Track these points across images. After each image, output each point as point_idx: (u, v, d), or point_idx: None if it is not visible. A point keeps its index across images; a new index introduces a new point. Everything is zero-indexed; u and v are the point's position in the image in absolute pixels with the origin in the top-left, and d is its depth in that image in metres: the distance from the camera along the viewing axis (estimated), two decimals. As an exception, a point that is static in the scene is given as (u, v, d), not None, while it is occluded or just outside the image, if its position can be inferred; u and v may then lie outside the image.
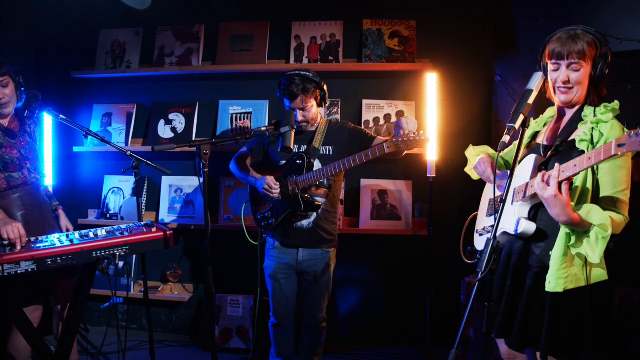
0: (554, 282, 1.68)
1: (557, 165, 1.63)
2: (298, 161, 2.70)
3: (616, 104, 1.76)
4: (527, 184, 1.80)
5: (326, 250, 2.79)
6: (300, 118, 2.70)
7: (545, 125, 2.03)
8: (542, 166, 1.83)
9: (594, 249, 1.63)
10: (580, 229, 1.66)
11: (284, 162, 2.78)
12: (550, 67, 1.83)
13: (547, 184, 1.63)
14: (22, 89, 2.60)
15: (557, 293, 1.68)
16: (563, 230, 1.69)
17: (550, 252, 1.73)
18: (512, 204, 1.87)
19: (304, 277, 2.80)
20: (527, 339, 1.78)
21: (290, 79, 2.65)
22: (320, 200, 2.73)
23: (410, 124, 2.49)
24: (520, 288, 1.82)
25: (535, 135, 2.02)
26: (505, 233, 1.88)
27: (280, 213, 2.74)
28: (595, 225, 1.62)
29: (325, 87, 2.74)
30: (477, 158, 2.22)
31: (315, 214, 2.74)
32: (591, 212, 1.64)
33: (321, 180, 2.69)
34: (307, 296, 2.82)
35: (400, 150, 2.51)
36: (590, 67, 1.77)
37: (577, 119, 1.82)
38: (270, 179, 2.73)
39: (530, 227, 1.79)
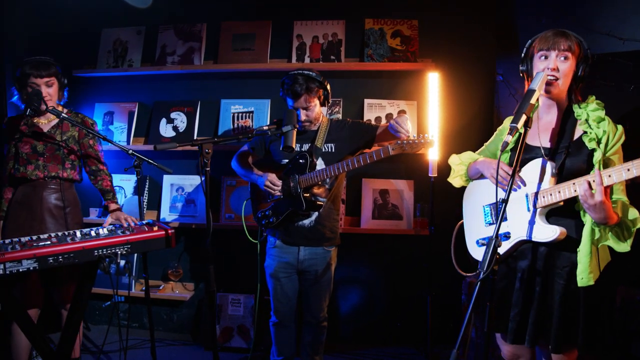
0: (586, 277, 1.74)
1: (596, 170, 1.65)
2: (301, 160, 2.70)
3: (594, 99, 1.86)
4: (549, 189, 1.80)
5: (327, 249, 2.79)
6: (303, 117, 2.70)
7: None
8: (558, 170, 1.84)
9: (621, 241, 1.73)
10: (612, 225, 1.72)
11: (287, 160, 2.78)
12: (537, 60, 1.89)
13: (591, 188, 1.66)
14: (66, 89, 2.83)
15: (588, 286, 1.75)
16: (588, 227, 1.75)
17: (577, 249, 1.78)
18: (528, 210, 1.87)
19: (305, 277, 2.80)
20: (566, 339, 1.81)
21: (294, 79, 2.65)
22: (321, 199, 2.73)
23: (404, 124, 2.49)
24: (549, 291, 1.85)
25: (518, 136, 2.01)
26: (523, 241, 1.88)
27: (281, 212, 2.74)
28: (628, 220, 1.71)
29: (328, 87, 2.74)
30: (461, 166, 2.24)
31: (316, 213, 2.74)
32: (624, 210, 1.73)
33: (324, 180, 2.69)
34: (308, 295, 2.82)
35: (406, 152, 2.51)
36: (575, 65, 1.85)
37: (573, 119, 1.87)
38: (272, 176, 2.73)
39: (564, 231, 1.80)
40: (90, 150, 2.87)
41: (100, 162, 2.91)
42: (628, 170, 1.57)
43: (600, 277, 1.78)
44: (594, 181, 1.64)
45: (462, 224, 2.25)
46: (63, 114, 2.64)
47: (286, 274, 2.80)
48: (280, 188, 2.72)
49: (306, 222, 2.74)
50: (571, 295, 1.80)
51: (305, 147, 2.77)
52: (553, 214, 1.84)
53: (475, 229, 2.15)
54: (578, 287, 1.76)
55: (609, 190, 1.66)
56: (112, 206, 2.82)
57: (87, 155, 2.87)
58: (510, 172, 2.03)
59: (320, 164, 2.72)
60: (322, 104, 2.77)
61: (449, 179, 2.31)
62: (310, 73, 2.67)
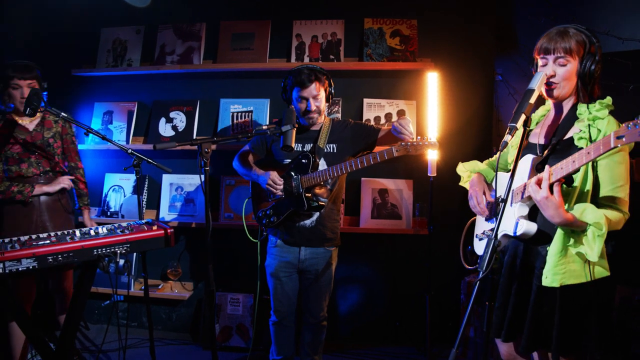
0: (551, 277, 1.69)
1: (547, 167, 1.63)
2: (303, 160, 2.70)
3: (609, 100, 1.76)
4: (525, 184, 1.80)
5: (328, 249, 2.79)
6: (313, 107, 2.69)
7: (537, 124, 2.02)
8: (539, 165, 1.83)
9: (592, 247, 1.64)
10: (577, 229, 1.67)
11: (289, 160, 2.78)
12: (539, 63, 1.85)
13: (540, 186, 1.64)
14: (45, 93, 3.05)
15: (565, 292, 1.69)
16: (560, 229, 1.70)
17: (548, 248, 1.74)
18: (511, 205, 1.86)
19: (305, 276, 2.80)
20: (537, 341, 1.78)
21: (300, 71, 2.68)
22: (323, 200, 2.72)
23: (408, 126, 2.50)
24: (527, 290, 1.82)
25: (528, 134, 2.02)
26: (507, 235, 1.87)
27: (282, 211, 2.74)
28: (590, 224, 1.63)
29: (332, 82, 2.77)
30: (468, 173, 2.24)
31: (317, 213, 2.74)
32: (585, 212, 1.64)
33: (326, 180, 2.69)
34: (308, 295, 2.82)
35: (410, 154, 2.51)
36: (578, 64, 1.78)
37: (572, 116, 1.82)
38: (275, 175, 2.73)
39: (531, 227, 1.78)
40: (72, 147, 3.05)
41: (79, 159, 3.11)
42: (573, 162, 1.56)
43: (588, 285, 1.71)
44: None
45: (474, 220, 2.26)
46: (63, 114, 2.64)
47: (287, 273, 2.80)
48: (282, 187, 2.72)
49: (307, 222, 2.74)
50: (546, 297, 1.75)
51: (308, 147, 2.77)
52: (539, 211, 1.82)
53: (479, 224, 2.17)
54: (554, 290, 1.71)
55: (559, 186, 1.62)
56: (86, 215, 3.10)
57: (68, 150, 3.04)
58: (479, 201, 2.04)
59: (322, 165, 2.72)
60: (327, 100, 2.78)
61: (461, 183, 2.30)
62: (315, 67, 2.71)
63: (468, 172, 2.26)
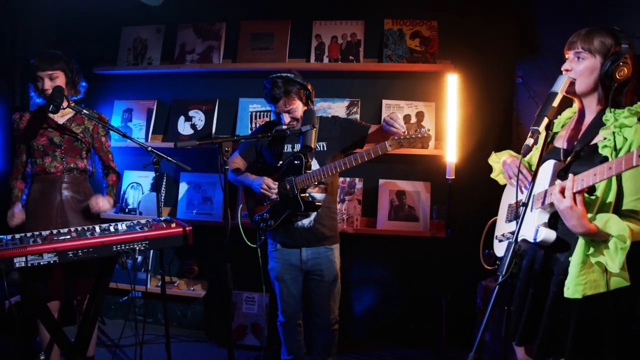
0: (572, 288, 1.66)
1: (570, 175, 1.60)
2: (296, 161, 2.68)
3: (638, 106, 1.71)
4: (546, 191, 1.76)
5: (329, 248, 2.77)
6: (287, 120, 2.68)
7: (562, 127, 1.99)
8: (561, 172, 1.80)
9: (613, 259, 1.60)
10: (599, 239, 1.64)
11: (281, 163, 2.77)
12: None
13: (563, 195, 1.61)
14: (82, 85, 2.90)
15: (583, 299, 1.65)
16: (582, 239, 1.67)
17: (570, 258, 1.71)
18: (531, 210, 1.83)
19: (311, 278, 2.79)
20: (550, 347, 1.75)
21: (273, 83, 2.64)
22: (319, 198, 2.72)
23: (398, 119, 2.49)
24: (543, 295, 1.79)
25: (553, 137, 1.98)
26: (525, 240, 1.85)
27: (279, 214, 2.73)
28: (613, 235, 1.60)
29: (309, 87, 2.72)
30: (500, 168, 2.19)
31: (315, 213, 2.72)
32: (609, 222, 1.60)
33: (320, 180, 2.67)
34: (317, 298, 2.80)
35: (403, 147, 2.50)
36: (599, 64, 1.73)
37: (598, 122, 1.77)
38: (268, 179, 2.71)
39: (550, 235, 1.75)
40: (103, 147, 2.94)
41: (111, 159, 2.98)
42: (594, 175, 1.52)
43: (607, 294, 1.67)
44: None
45: (495, 220, 2.23)
46: (84, 110, 2.66)
47: (291, 275, 2.80)
48: (276, 190, 2.71)
49: (305, 222, 2.73)
50: (563, 304, 1.71)
51: (297, 147, 2.76)
52: (559, 218, 1.77)
53: (499, 225, 2.15)
54: (572, 298, 1.67)
55: (582, 196, 1.58)
56: (103, 197, 2.87)
57: (99, 150, 2.93)
58: (519, 171, 1.99)
59: (314, 164, 2.71)
60: (305, 104, 2.74)
61: (492, 176, 2.27)
62: (289, 75, 2.65)
63: (499, 161, 2.18)
